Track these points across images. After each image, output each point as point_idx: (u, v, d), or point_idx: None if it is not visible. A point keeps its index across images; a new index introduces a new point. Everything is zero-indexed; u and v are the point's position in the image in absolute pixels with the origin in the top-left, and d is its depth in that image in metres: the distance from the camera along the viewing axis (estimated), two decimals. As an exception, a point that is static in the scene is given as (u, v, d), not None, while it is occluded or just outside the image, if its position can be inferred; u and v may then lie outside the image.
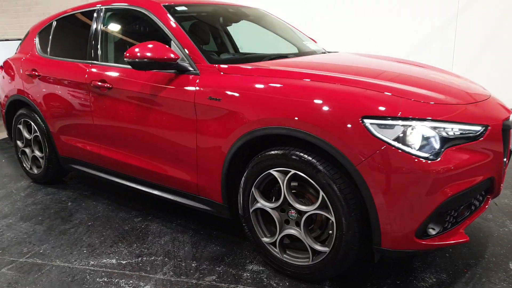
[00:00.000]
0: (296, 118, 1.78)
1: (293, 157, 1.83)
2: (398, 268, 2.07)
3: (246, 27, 3.19)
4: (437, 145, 1.62)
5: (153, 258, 2.26)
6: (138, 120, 2.50)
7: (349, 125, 1.66)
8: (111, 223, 2.73)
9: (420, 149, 1.61)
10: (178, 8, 2.64)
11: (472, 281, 1.94)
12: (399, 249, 1.70)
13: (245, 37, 3.35)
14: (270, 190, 2.09)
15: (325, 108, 1.72)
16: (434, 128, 1.64)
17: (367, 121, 1.64)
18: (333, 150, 1.70)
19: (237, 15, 3.08)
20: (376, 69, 2.27)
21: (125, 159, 2.69)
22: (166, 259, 2.25)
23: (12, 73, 3.50)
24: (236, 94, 2.01)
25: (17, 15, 8.01)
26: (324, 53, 2.99)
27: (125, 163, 2.70)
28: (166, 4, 2.62)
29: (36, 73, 3.19)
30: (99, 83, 2.67)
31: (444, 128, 1.66)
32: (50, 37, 3.30)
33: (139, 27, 2.87)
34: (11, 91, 3.49)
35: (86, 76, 2.79)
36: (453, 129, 1.67)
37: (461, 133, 1.70)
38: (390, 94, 1.74)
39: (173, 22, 2.45)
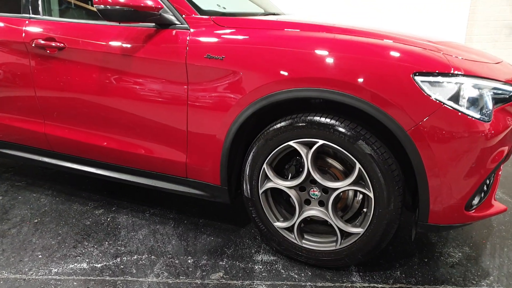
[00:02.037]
0: (332, 77, 1.49)
1: (323, 124, 1.54)
2: (418, 245, 1.93)
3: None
4: (490, 105, 1.46)
5: (135, 257, 1.82)
6: (103, 88, 1.99)
7: (399, 84, 1.42)
8: (65, 218, 2.19)
9: (474, 109, 1.44)
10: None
11: (496, 251, 1.86)
12: (448, 224, 1.53)
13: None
14: (283, 166, 1.79)
15: (369, 64, 1.46)
16: (485, 87, 1.48)
17: (419, 78, 1.41)
18: (379, 114, 1.44)
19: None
20: (376, 29, 2.04)
21: (83, 138, 2.15)
22: (153, 257, 1.83)
23: None
24: (248, 51, 1.65)
25: None
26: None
27: (82, 143, 2.16)
28: None
29: None
30: (45, 42, 2.08)
31: (492, 87, 1.50)
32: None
33: None
34: None
35: (23, 34, 2.17)
36: (499, 88, 1.53)
37: (501, 93, 1.56)
38: (431, 50, 1.54)
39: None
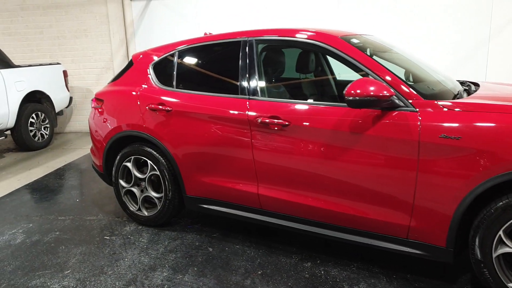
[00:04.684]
0: None
1: None
2: None
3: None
4: None
5: (377, 311, 2.08)
6: (328, 159, 2.33)
7: None
8: (283, 270, 2.51)
9: None
10: (355, 41, 2.54)
11: None
12: None
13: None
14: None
15: None
16: None
17: None
18: None
19: (383, 45, 3.00)
20: None
21: (297, 199, 2.49)
22: (393, 311, 2.08)
23: (122, 107, 3.20)
24: (487, 132, 1.92)
25: (27, 38, 7.51)
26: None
27: (296, 203, 2.50)
28: (343, 36, 2.51)
29: (165, 108, 2.93)
30: (270, 120, 2.48)
31: None
32: (175, 69, 3.06)
33: (307, 60, 2.73)
34: (120, 127, 3.19)
35: (246, 112, 2.59)
36: None
37: None
38: None
39: (366, 56, 2.33)
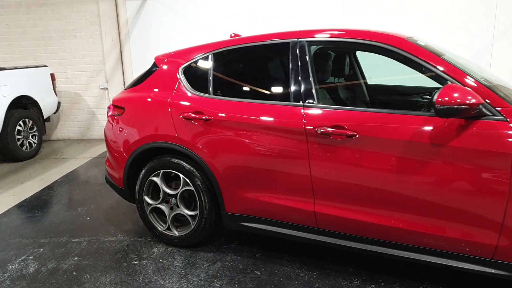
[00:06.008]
0: None
1: None
2: None
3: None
4: None
5: None
6: (404, 174, 2.12)
7: None
8: (349, 296, 2.28)
9: None
10: (421, 43, 2.34)
11: None
12: None
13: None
14: None
15: None
16: None
17: None
18: None
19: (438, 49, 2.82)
20: None
21: (368, 218, 2.26)
22: None
23: (149, 116, 2.87)
24: None
25: (8, 38, 6.95)
26: None
27: (366, 223, 2.26)
28: (408, 38, 2.31)
29: (202, 117, 2.63)
30: (333, 130, 2.24)
31: None
32: (211, 74, 2.76)
33: (345, 63, 2.49)
34: (148, 137, 2.85)
35: (303, 120, 2.34)
36: None
37: None
38: None
39: (442, 61, 2.14)
